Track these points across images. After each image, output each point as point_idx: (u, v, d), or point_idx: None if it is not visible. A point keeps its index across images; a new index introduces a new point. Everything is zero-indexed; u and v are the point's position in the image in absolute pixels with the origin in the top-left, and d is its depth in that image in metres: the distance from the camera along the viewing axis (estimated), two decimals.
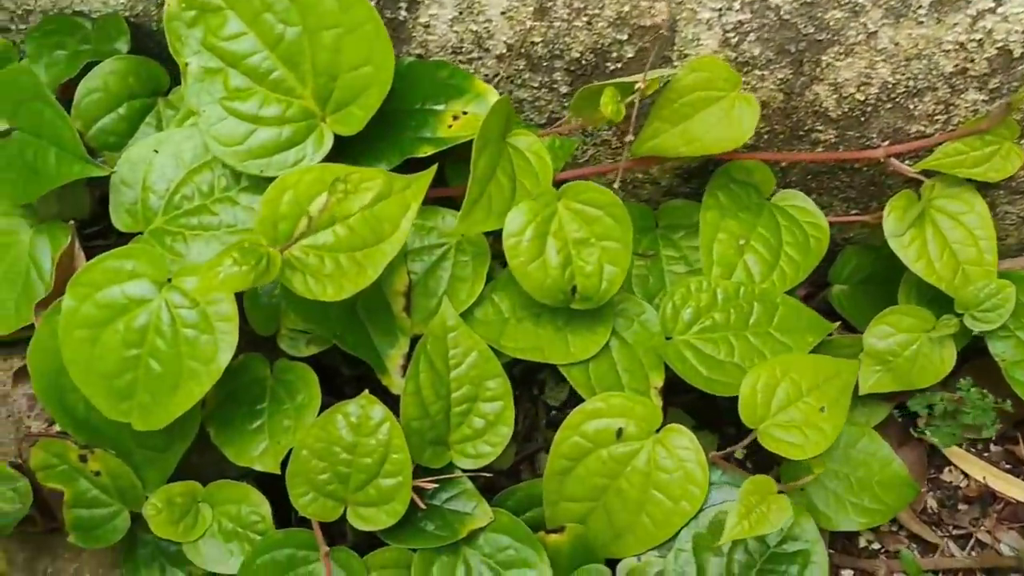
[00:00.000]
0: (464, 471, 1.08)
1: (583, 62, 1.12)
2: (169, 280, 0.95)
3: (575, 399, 1.11)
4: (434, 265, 1.11)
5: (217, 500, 1.05)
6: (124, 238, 1.08)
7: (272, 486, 1.06)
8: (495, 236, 1.05)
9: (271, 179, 1.01)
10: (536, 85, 1.16)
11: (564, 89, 1.17)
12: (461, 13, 1.09)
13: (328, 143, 1.01)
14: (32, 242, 1.08)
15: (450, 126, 1.06)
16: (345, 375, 1.14)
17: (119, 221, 1.02)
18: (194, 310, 0.94)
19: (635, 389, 1.12)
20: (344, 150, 1.03)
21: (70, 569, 1.11)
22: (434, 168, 0.98)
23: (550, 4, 1.07)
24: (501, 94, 1.08)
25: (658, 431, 1.08)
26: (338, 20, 0.99)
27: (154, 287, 0.95)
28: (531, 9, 1.08)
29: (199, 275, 0.84)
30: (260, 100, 1.00)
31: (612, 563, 1.10)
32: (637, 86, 1.01)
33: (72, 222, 0.99)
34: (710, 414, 1.29)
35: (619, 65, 1.12)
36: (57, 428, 1.06)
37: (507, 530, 1.06)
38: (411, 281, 1.08)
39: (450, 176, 1.14)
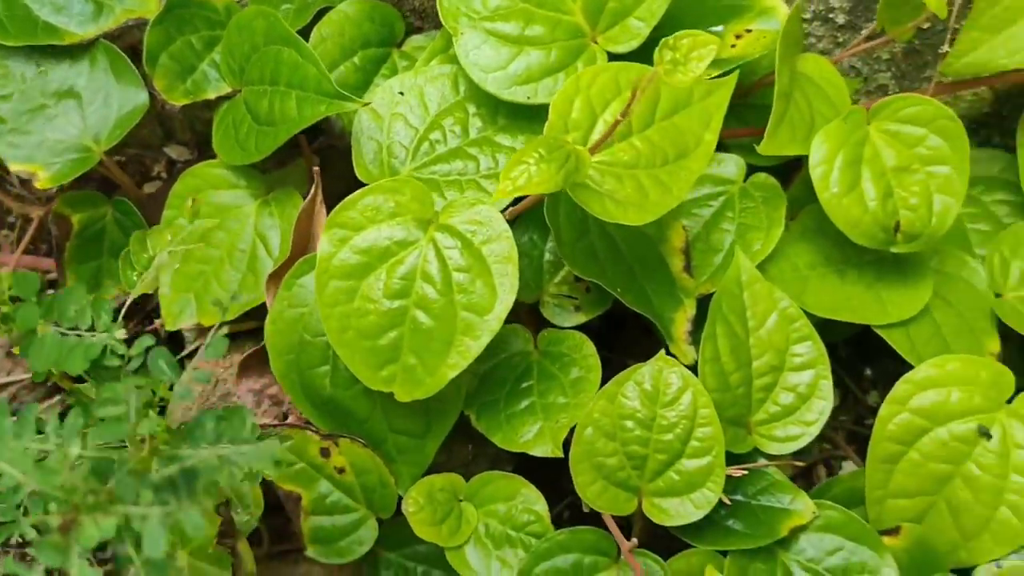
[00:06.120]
0: (770, 458, 0.89)
1: None
2: (435, 219, 0.81)
3: None
4: (715, 217, 0.94)
5: (483, 498, 0.87)
6: None
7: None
8: None
9: (533, 113, 0.88)
10: (808, 17, 1.01)
11: (841, 19, 1.01)
12: None
13: (601, 64, 0.87)
14: (257, 214, 0.96)
15: (733, 46, 0.91)
16: (613, 362, 0.96)
17: (363, 174, 0.89)
18: (466, 251, 0.79)
19: None
20: None
21: None
22: (736, 74, 0.83)
23: None
24: None
25: (1010, 401, 0.88)
26: None
27: (419, 227, 0.80)
28: None
29: (501, 178, 0.68)
30: (524, 19, 0.87)
31: (962, 572, 0.88)
32: None
33: (316, 168, 0.86)
34: None
35: None
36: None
37: (837, 528, 0.86)
38: (688, 237, 0.92)
39: None
